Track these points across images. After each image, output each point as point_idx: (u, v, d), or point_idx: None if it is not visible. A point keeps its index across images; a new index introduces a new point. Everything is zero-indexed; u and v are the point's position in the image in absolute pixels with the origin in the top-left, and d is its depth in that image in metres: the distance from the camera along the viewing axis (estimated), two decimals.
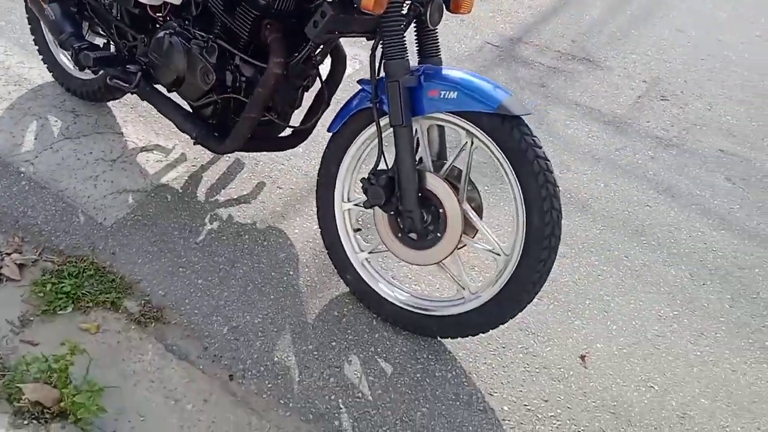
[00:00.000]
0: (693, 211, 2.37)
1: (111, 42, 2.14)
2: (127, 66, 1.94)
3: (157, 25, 1.97)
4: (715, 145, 2.75)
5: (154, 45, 1.89)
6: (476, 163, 2.27)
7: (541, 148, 1.52)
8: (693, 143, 2.75)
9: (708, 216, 2.36)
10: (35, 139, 2.33)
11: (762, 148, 2.76)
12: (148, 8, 1.95)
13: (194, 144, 1.94)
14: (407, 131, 1.58)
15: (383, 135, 1.65)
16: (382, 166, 1.67)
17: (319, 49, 1.82)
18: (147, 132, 2.43)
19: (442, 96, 1.55)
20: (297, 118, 2.01)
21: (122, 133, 2.41)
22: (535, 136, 1.52)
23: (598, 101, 2.96)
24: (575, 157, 2.58)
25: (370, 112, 1.63)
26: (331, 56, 1.95)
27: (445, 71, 1.58)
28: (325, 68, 1.95)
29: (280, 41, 1.69)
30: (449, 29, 3.37)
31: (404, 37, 1.57)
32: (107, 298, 1.79)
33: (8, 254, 1.86)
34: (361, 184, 1.69)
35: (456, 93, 1.53)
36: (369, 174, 1.67)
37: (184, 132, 1.95)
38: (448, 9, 1.72)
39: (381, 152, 1.65)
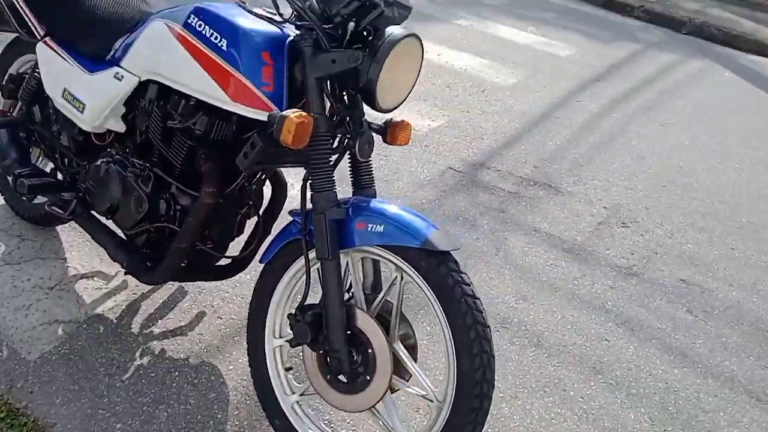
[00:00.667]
0: (653, 346, 2.27)
1: (57, 168, 2.13)
2: (63, 194, 1.91)
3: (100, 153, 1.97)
4: (675, 275, 2.70)
5: (91, 172, 1.88)
6: (422, 297, 2.20)
7: (469, 285, 1.45)
8: (653, 272, 2.70)
9: (669, 352, 2.26)
10: None
11: (723, 278, 2.71)
12: (92, 136, 1.96)
13: (125, 274, 1.87)
14: (334, 265, 1.52)
15: (313, 268, 1.59)
16: (311, 300, 1.59)
17: (255, 179, 1.80)
18: (91, 258, 2.36)
19: (369, 229, 1.50)
20: (238, 245, 1.96)
21: (65, 259, 2.35)
22: (464, 273, 1.46)
23: (557, 228, 2.94)
24: (532, 286, 2.51)
25: (301, 243, 1.58)
26: (270, 184, 1.94)
27: (374, 204, 1.55)
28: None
29: (213, 171, 1.68)
30: (412, 154, 3.42)
31: (331, 169, 1.55)
32: None
33: None
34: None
35: (383, 226, 1.49)
36: (296, 309, 1.59)
37: (115, 261, 1.89)
38: (384, 140, 1.73)
39: (308, 286, 1.58)
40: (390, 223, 1.48)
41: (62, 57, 1.91)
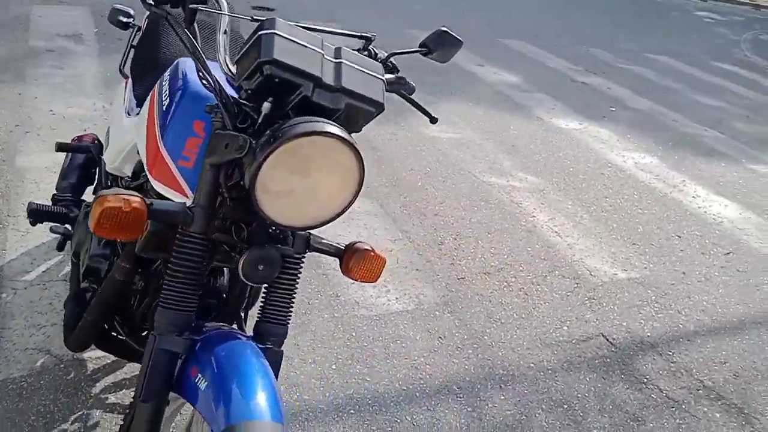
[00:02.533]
0: None
1: None
2: (55, 225, 1.84)
3: None
4: None
5: (81, 212, 1.77)
6: None
7: None
8: None
9: None
10: (43, 271, 2.36)
11: None
12: (118, 179, 1.86)
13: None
14: (147, 410, 1.09)
15: None
16: None
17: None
18: None
19: (196, 381, 1.05)
20: None
21: None
22: None
23: None
24: None
25: None
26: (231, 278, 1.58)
27: (230, 348, 1.10)
28: None
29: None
30: (564, 303, 2.66)
31: (193, 283, 1.14)
32: None
33: None
34: None
35: (205, 384, 1.02)
36: None
37: (63, 308, 1.72)
38: (341, 269, 1.27)
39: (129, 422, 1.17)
40: (214, 384, 1.01)
41: (123, 96, 1.87)
